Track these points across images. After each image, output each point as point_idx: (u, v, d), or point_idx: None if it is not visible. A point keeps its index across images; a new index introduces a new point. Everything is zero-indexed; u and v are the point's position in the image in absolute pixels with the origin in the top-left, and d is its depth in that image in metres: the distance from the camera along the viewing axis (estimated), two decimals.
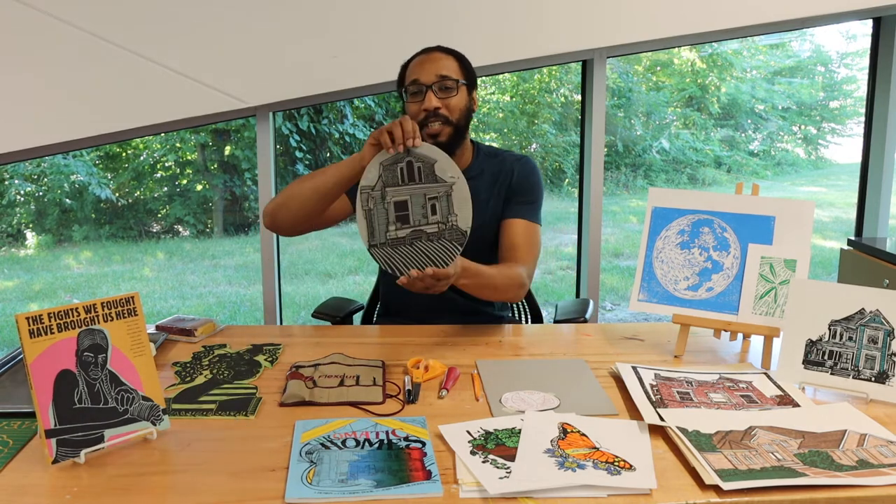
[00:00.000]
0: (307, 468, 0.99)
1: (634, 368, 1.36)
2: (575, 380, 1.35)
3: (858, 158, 2.89)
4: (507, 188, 1.76)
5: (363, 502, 0.92)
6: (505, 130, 9.89)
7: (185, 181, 8.17)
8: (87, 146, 2.68)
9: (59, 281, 6.36)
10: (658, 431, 1.12)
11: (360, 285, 6.13)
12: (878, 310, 1.27)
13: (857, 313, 1.29)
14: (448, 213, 1.45)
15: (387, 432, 1.11)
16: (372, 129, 8.30)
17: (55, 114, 2.44)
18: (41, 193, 7.62)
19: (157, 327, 1.63)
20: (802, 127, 11.85)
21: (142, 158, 8.08)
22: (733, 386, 1.30)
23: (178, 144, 8.01)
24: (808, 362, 1.31)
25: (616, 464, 1.00)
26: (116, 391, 1.07)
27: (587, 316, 1.85)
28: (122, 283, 6.27)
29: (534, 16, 2.49)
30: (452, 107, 1.65)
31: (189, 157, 8.14)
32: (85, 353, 1.05)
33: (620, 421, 1.16)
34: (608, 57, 2.60)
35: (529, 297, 2.02)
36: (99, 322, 1.07)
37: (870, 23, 2.75)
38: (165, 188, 8.21)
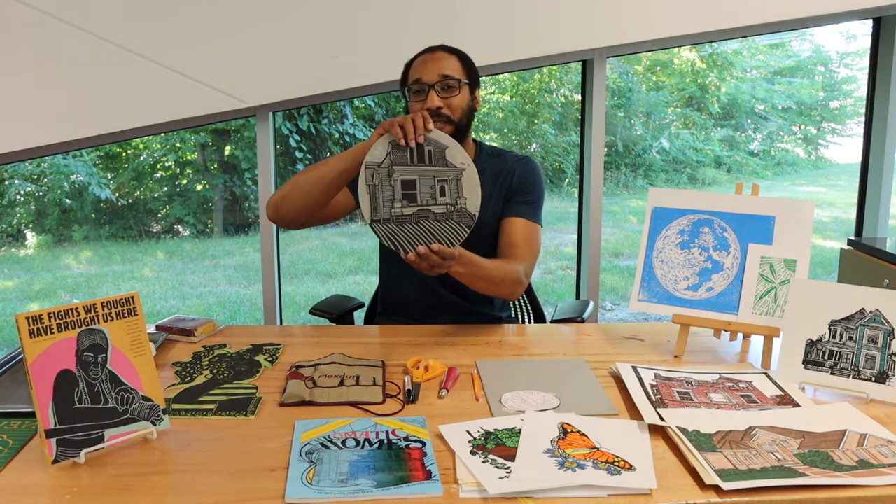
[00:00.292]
0: (307, 468, 0.99)
1: (634, 368, 1.36)
2: (575, 380, 1.35)
3: (858, 158, 2.89)
4: (508, 188, 1.76)
5: (363, 502, 0.92)
6: (505, 130, 9.89)
7: (185, 181, 8.17)
8: (87, 146, 2.68)
9: (59, 281, 6.36)
10: (658, 431, 1.12)
11: (360, 285, 6.13)
12: (878, 310, 1.27)
13: (857, 313, 1.29)
14: (458, 196, 1.45)
15: (387, 432, 1.10)
16: (372, 129, 8.33)
17: (55, 114, 2.44)
18: (41, 193, 7.62)
19: (157, 327, 1.63)
20: (802, 127, 11.85)
21: (142, 158, 8.08)
22: (733, 386, 1.30)
23: (178, 144, 8.01)
24: (808, 362, 1.31)
25: (616, 464, 1.00)
26: (116, 391, 1.07)
27: (585, 316, 1.84)
28: (122, 283, 6.27)
29: (534, 16, 2.49)
30: (454, 106, 1.65)
31: (189, 157, 8.14)
32: (85, 353, 1.05)
33: (620, 421, 1.16)
34: (608, 57, 2.60)
35: (531, 296, 2.02)
36: (99, 322, 1.07)
37: (870, 23, 2.75)
38: (165, 188, 8.21)
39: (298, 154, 7.85)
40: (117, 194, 7.87)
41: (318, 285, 6.18)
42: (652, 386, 1.28)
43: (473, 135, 1.84)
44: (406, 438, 1.09)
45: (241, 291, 5.99)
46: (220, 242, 7.71)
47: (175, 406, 1.22)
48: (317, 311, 1.92)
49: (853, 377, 1.27)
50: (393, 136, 1.43)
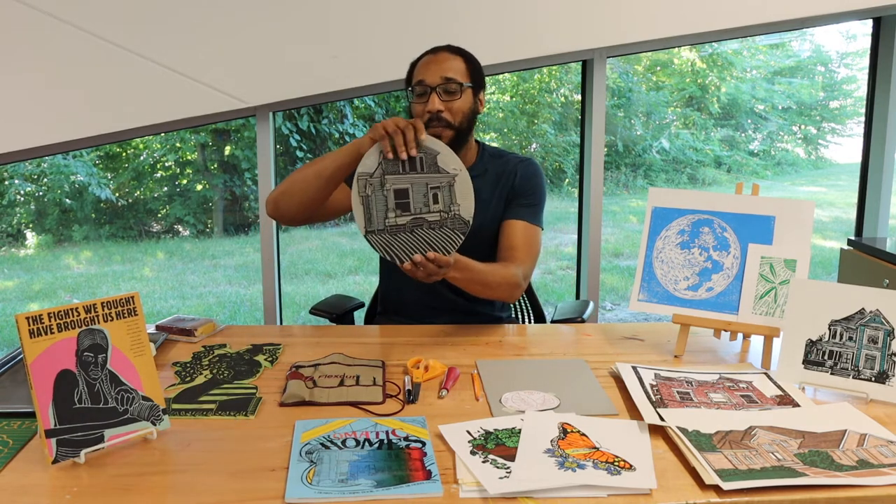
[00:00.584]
0: (307, 468, 0.99)
1: (634, 368, 1.36)
2: (575, 380, 1.35)
3: (858, 158, 2.89)
4: (510, 189, 1.76)
5: (363, 502, 0.92)
6: (505, 130, 9.89)
7: (185, 181, 8.17)
8: (87, 146, 2.68)
9: (59, 281, 6.36)
10: (658, 431, 1.12)
11: (360, 285, 6.13)
12: (878, 310, 1.27)
13: (857, 313, 1.29)
14: (451, 203, 1.44)
15: (387, 432, 1.11)
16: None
17: (55, 114, 2.44)
18: (41, 193, 7.62)
19: (157, 327, 1.63)
20: (802, 127, 11.85)
21: (142, 158, 8.08)
22: (733, 386, 1.30)
23: (178, 144, 8.01)
24: (808, 362, 1.31)
25: (616, 464, 1.00)
26: (116, 391, 1.07)
27: (585, 316, 1.84)
28: (122, 283, 6.27)
29: (534, 16, 2.49)
30: (455, 110, 1.65)
31: (189, 157, 8.14)
32: (85, 353, 1.05)
33: (620, 421, 1.16)
34: (608, 57, 2.60)
35: (531, 297, 2.03)
36: (99, 322, 1.07)
37: (870, 23, 2.75)
38: (165, 188, 8.21)
39: (299, 154, 7.85)
40: (117, 194, 7.87)
41: (318, 285, 6.18)
42: (652, 386, 1.28)
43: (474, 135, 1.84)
44: (406, 438, 1.09)
45: (241, 291, 5.99)
46: (220, 242, 7.71)
47: (175, 406, 1.22)
48: (317, 311, 1.92)
49: (853, 377, 1.27)
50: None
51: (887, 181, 2.76)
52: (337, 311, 1.91)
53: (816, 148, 11.99)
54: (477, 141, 1.81)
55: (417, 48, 1.74)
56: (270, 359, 1.46)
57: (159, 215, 8.15)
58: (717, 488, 0.94)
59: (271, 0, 2.40)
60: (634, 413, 1.18)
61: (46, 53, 2.37)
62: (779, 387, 1.30)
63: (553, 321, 1.87)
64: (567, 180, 9.55)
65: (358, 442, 1.07)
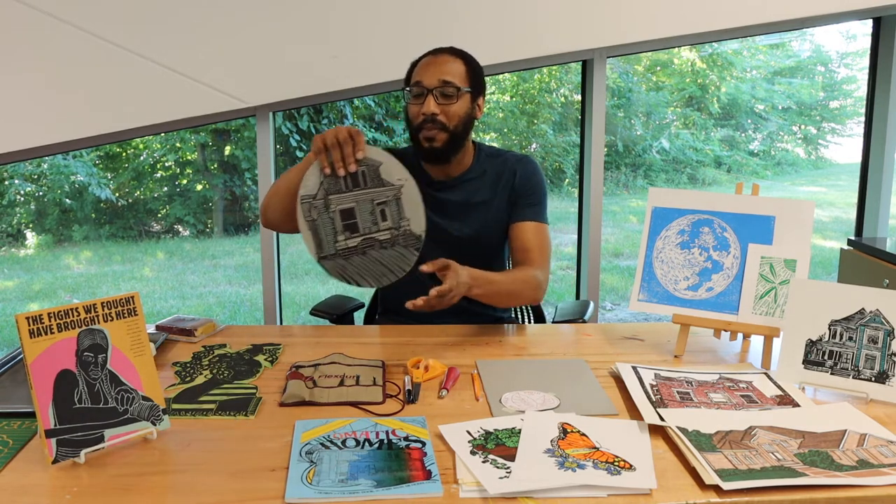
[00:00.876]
0: (307, 468, 0.99)
1: (634, 368, 1.36)
2: (575, 380, 1.35)
3: (858, 158, 2.89)
4: (511, 190, 1.75)
5: (363, 502, 0.92)
6: (505, 130, 9.89)
7: (185, 181, 8.17)
8: (87, 146, 2.68)
9: (59, 281, 6.36)
10: (658, 431, 1.12)
11: None
12: (878, 310, 1.27)
13: (857, 313, 1.29)
14: (399, 219, 1.40)
15: (387, 432, 1.10)
16: (372, 129, 8.34)
17: (55, 114, 2.44)
18: (41, 193, 7.62)
19: (157, 327, 1.63)
20: (802, 127, 11.85)
21: (142, 158, 8.08)
22: (733, 386, 1.30)
23: (178, 144, 8.01)
24: (808, 362, 1.31)
25: (616, 464, 1.00)
26: (116, 391, 1.07)
27: (586, 317, 1.84)
28: (122, 283, 6.27)
29: (534, 16, 2.49)
30: (451, 114, 1.64)
31: (189, 157, 8.14)
32: (85, 353, 1.05)
33: (620, 421, 1.16)
34: (608, 57, 2.60)
35: None
36: (99, 322, 1.07)
37: (870, 23, 2.75)
38: (165, 188, 8.22)
39: (299, 154, 7.85)
40: (117, 194, 7.87)
41: (318, 285, 6.18)
42: (652, 386, 1.28)
43: (473, 135, 1.84)
44: (406, 438, 1.09)
45: (241, 291, 5.99)
46: (220, 242, 7.71)
47: (175, 406, 1.22)
48: (317, 311, 1.92)
49: (853, 377, 1.27)
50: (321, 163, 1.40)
51: (887, 181, 2.76)
52: (337, 311, 1.91)
53: (816, 148, 12.00)
54: (474, 142, 1.81)
55: (417, 48, 1.74)
56: (270, 359, 1.46)
57: (159, 215, 8.16)
58: (717, 488, 0.94)
59: (271, 0, 2.40)
60: (634, 413, 1.18)
61: (46, 53, 2.37)
62: (779, 387, 1.30)
63: (553, 322, 1.87)
64: (567, 180, 9.55)
65: (358, 442, 1.07)
